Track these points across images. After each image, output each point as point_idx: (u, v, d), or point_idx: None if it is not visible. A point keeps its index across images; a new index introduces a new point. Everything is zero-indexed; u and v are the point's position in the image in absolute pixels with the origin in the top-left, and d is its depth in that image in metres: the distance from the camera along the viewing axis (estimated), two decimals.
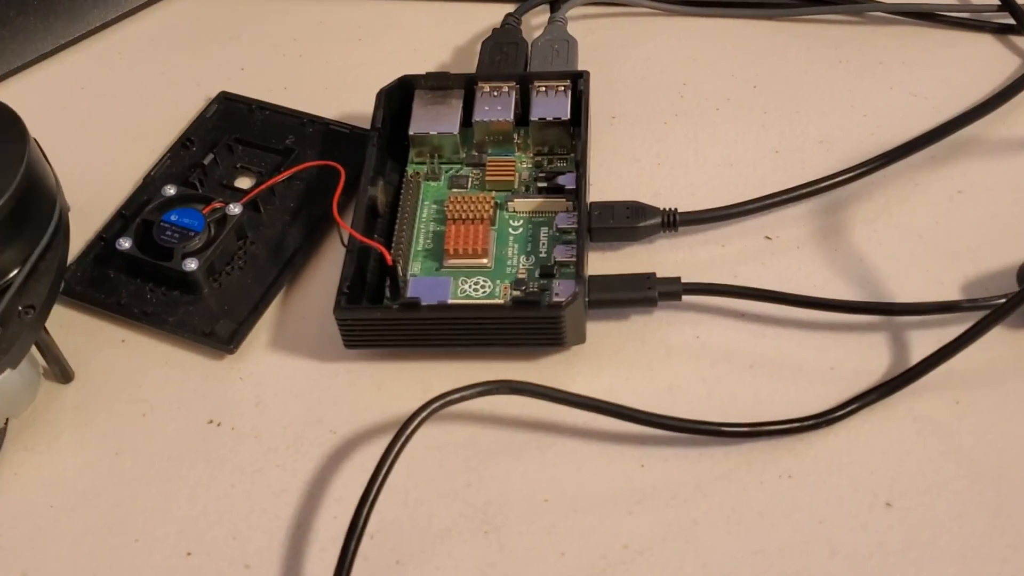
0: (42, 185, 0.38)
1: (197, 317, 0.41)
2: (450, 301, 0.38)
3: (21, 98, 0.42)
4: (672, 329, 0.39)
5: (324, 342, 0.40)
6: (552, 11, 0.48)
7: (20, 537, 0.36)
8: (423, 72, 0.44)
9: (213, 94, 0.48)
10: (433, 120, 0.43)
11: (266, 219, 0.43)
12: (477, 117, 0.43)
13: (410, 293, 0.39)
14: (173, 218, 0.42)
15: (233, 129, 0.46)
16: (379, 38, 0.51)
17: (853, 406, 0.36)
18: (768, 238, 0.42)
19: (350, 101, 0.47)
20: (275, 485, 0.36)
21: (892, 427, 0.36)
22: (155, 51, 0.51)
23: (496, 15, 0.49)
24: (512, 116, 0.43)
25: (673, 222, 0.41)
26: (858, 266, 0.41)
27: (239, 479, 0.37)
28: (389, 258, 0.38)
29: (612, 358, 0.39)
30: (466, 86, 0.44)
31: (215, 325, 0.40)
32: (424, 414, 0.34)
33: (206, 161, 0.45)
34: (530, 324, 0.37)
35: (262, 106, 0.47)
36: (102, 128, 0.48)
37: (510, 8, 0.49)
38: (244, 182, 0.45)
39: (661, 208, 0.41)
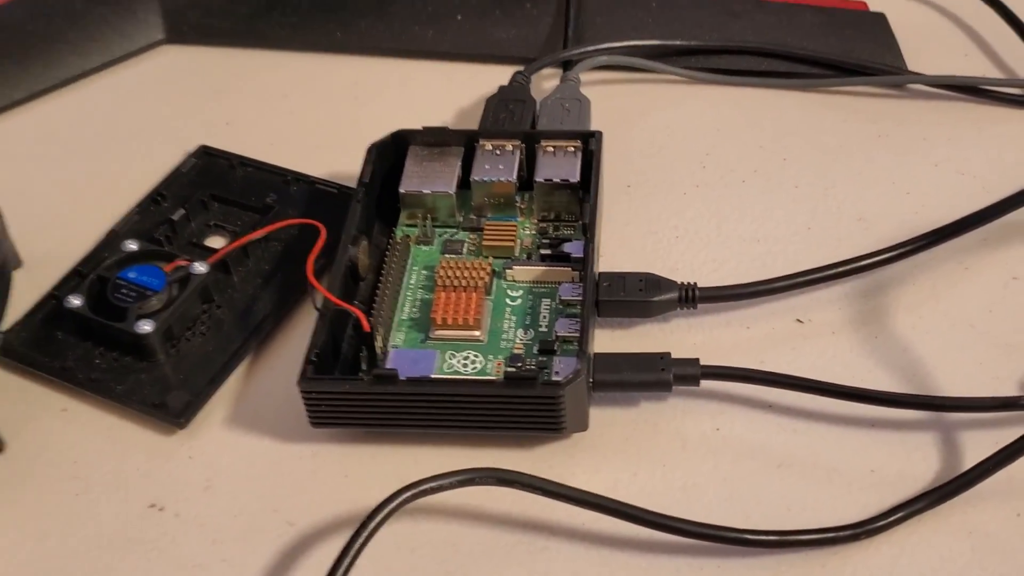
0: None
1: (148, 386, 0.36)
2: (434, 376, 0.34)
3: None
4: (688, 419, 0.34)
5: (289, 420, 0.35)
6: (565, 71, 0.45)
7: None
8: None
9: (193, 148, 0.44)
10: (428, 178, 0.39)
11: (236, 282, 0.39)
12: (476, 176, 0.38)
13: (388, 365, 0.34)
14: (131, 275, 0.37)
15: (210, 185, 0.42)
16: (376, 96, 0.47)
17: (898, 515, 0.31)
18: (799, 321, 0.37)
19: (340, 160, 0.43)
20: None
21: (943, 541, 0.31)
22: (136, 103, 0.47)
23: (503, 76, 0.46)
24: (515, 176, 0.38)
25: (692, 298, 0.36)
26: (902, 356, 0.36)
27: (178, 574, 0.32)
28: (367, 324, 0.34)
29: (618, 449, 0.33)
30: (466, 143, 0.40)
31: (167, 396, 0.35)
32: (391, 506, 0.29)
33: (175, 216, 0.41)
34: (525, 405, 0.32)
35: (244, 162, 0.43)
36: (70, 180, 0.44)
37: (519, 69, 0.46)
38: (216, 241, 0.40)
39: (678, 282, 0.36)
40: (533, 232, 0.39)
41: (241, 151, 0.44)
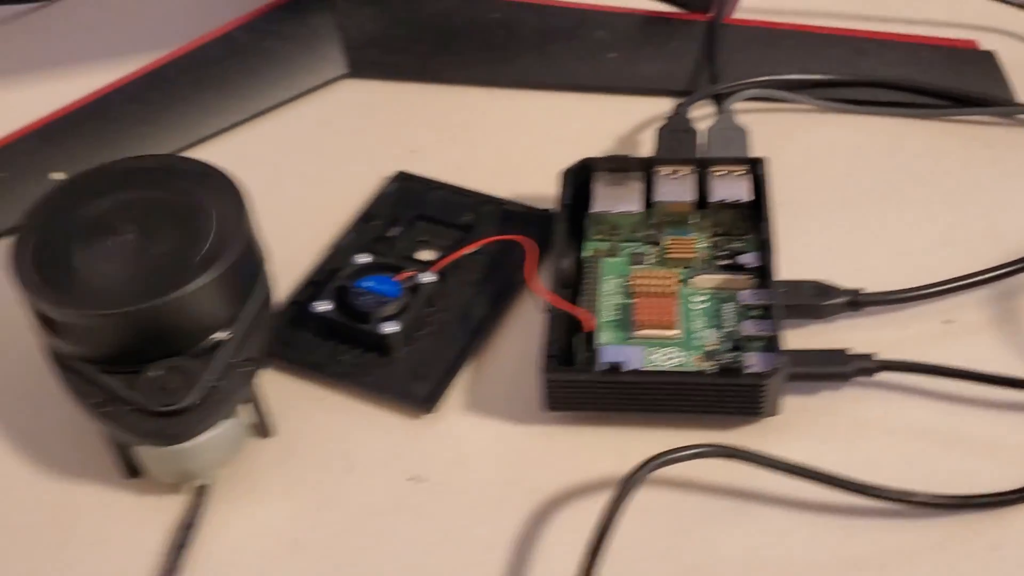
0: (255, 245, 0.40)
1: (392, 379, 0.42)
2: (655, 368, 0.40)
3: None
4: (862, 405, 0.40)
5: (518, 405, 0.41)
6: (717, 103, 0.51)
7: None
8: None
9: (386, 174, 0.50)
10: (615, 200, 0.45)
11: (450, 289, 0.45)
12: (659, 198, 0.44)
13: (603, 360, 0.40)
14: (368, 284, 0.44)
15: (412, 206, 0.48)
16: (538, 126, 0.53)
17: None
18: (947, 322, 0.43)
19: (518, 183, 0.49)
20: (483, 542, 0.37)
21: None
22: (325, 132, 0.53)
23: (651, 107, 0.52)
24: (693, 198, 0.45)
25: (858, 302, 0.42)
26: None
27: (446, 535, 0.37)
28: (590, 325, 0.40)
29: (805, 431, 0.39)
30: (644, 169, 0.46)
31: (411, 386, 0.41)
32: (642, 472, 0.35)
33: (390, 234, 0.47)
34: (732, 392, 0.38)
35: (439, 185, 0.49)
36: (279, 204, 0.49)
37: (663, 102, 0.52)
38: (425, 255, 0.46)
39: (844, 288, 0.42)
40: (707, 246, 0.45)
41: (428, 175, 0.50)
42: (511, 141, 0.52)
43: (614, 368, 0.38)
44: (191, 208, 0.39)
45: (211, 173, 0.40)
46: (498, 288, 0.45)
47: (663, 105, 0.53)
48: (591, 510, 0.37)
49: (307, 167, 0.52)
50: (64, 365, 0.38)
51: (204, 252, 0.37)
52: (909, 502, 0.36)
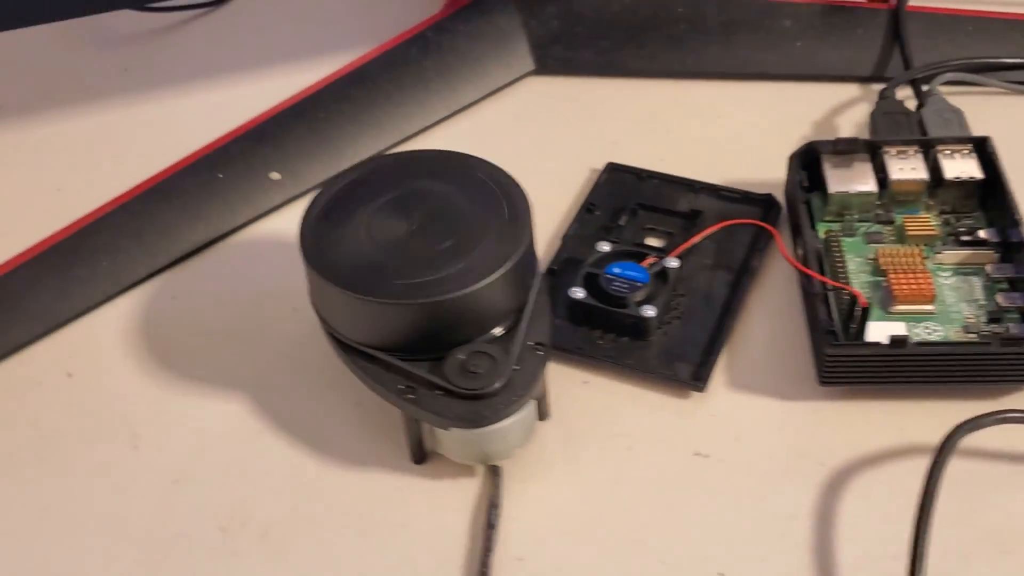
0: (533, 236, 0.41)
1: (652, 360, 0.43)
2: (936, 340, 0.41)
3: None
4: None
5: (783, 382, 0.42)
6: (913, 87, 0.52)
7: (547, 559, 0.38)
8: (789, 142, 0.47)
9: (591, 166, 0.51)
10: (848, 181, 0.46)
11: (689, 273, 0.46)
12: (894, 176, 0.46)
13: (870, 336, 0.41)
14: (616, 271, 0.45)
15: (630, 196, 0.49)
16: (735, 115, 0.54)
17: None
18: None
19: (721, 170, 0.50)
20: (782, 511, 0.38)
21: None
22: (521, 128, 0.55)
23: (835, 93, 0.54)
24: (926, 176, 0.46)
25: None
26: None
27: (743, 506, 0.39)
28: (864, 301, 0.41)
29: None
30: (871, 151, 0.47)
31: (674, 367, 0.42)
32: (957, 436, 0.36)
33: (621, 222, 0.48)
34: (1014, 360, 0.39)
35: (650, 175, 0.50)
36: None
37: (849, 88, 0.53)
38: (653, 242, 0.48)
39: None
40: (939, 223, 0.46)
41: (637, 165, 0.51)
42: (706, 130, 0.54)
43: (898, 342, 0.39)
44: (477, 201, 0.40)
45: (491, 170, 0.42)
46: (736, 270, 0.46)
47: (851, 91, 0.54)
48: (883, 479, 0.38)
49: (512, 161, 0.51)
50: (361, 355, 0.39)
51: (499, 242, 0.38)
52: None
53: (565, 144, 0.53)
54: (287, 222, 0.49)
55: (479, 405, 0.37)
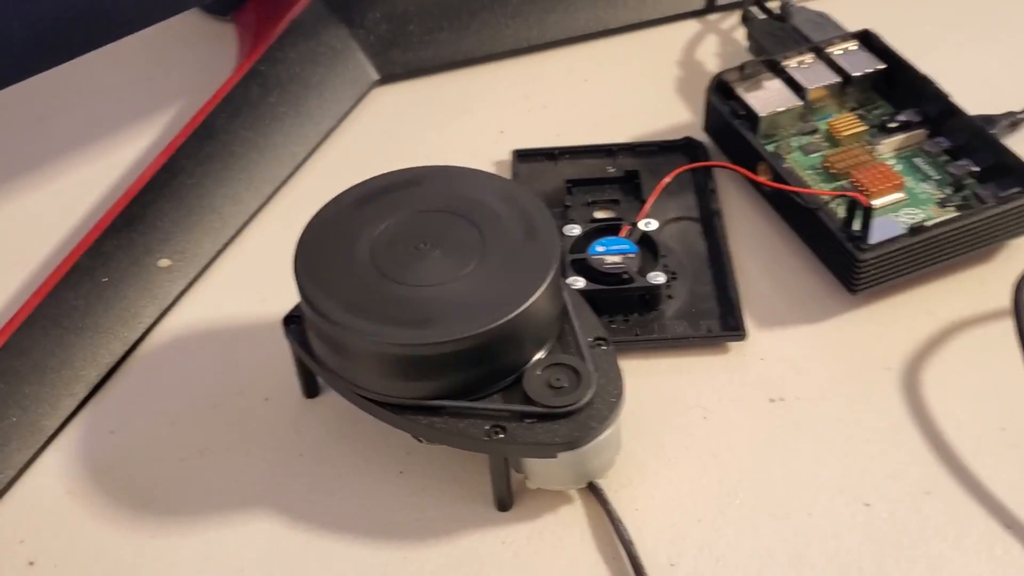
0: None
1: (677, 326, 0.41)
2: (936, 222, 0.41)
3: None
4: None
5: (806, 307, 0.41)
6: (763, 4, 0.52)
7: (695, 552, 0.35)
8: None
9: (492, 160, 0.48)
10: (771, 102, 0.46)
11: (659, 233, 0.44)
12: (811, 85, 0.46)
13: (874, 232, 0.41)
14: (601, 249, 0.42)
15: (553, 177, 0.47)
16: (599, 74, 0.53)
17: None
18: None
19: (623, 127, 0.49)
20: (883, 423, 0.38)
21: None
22: (396, 139, 0.50)
23: (679, 34, 0.54)
24: (836, 78, 0.46)
25: (1016, 122, 0.46)
26: None
27: (844, 432, 0.37)
28: (866, 201, 0.40)
29: None
30: (772, 68, 0.47)
31: (703, 325, 0.41)
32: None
33: (568, 203, 0.45)
34: (1009, 218, 0.41)
35: (561, 151, 0.48)
36: None
37: (690, 24, 0.54)
38: (601, 214, 0.45)
39: (1003, 112, 0.46)
40: (856, 117, 0.47)
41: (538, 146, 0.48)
42: (581, 95, 0.52)
43: (917, 229, 0.40)
44: (478, 212, 0.36)
45: (477, 177, 0.38)
46: (701, 218, 0.45)
47: (693, 26, 0.54)
48: (952, 361, 0.39)
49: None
50: (423, 411, 0.34)
51: (529, 248, 0.35)
52: None
53: (451, 147, 0.50)
54: (199, 308, 0.43)
55: (580, 419, 0.34)
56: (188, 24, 0.56)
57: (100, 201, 0.47)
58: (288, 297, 0.38)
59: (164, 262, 0.43)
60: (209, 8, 0.56)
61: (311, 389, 0.40)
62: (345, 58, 0.51)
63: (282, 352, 0.40)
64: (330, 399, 0.40)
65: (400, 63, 0.52)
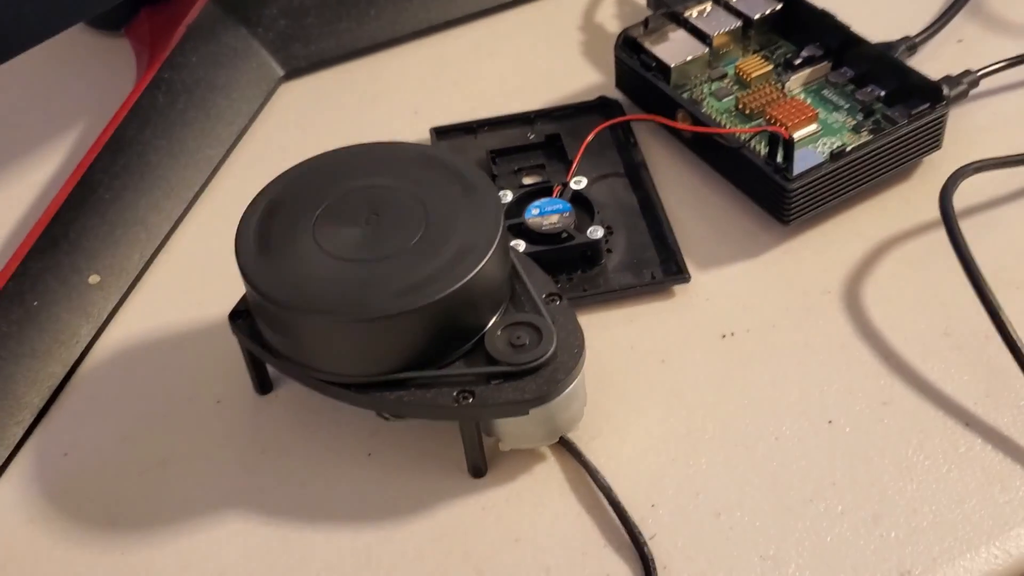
0: None
1: (622, 277, 0.41)
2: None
3: None
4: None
5: (741, 243, 0.42)
6: None
7: (675, 491, 0.35)
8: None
9: (417, 137, 0.48)
10: (679, 52, 0.47)
11: (590, 190, 0.44)
12: (716, 32, 0.47)
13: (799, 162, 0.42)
14: (536, 211, 0.42)
15: (476, 149, 0.47)
16: (503, 46, 0.53)
17: None
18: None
19: (536, 94, 0.49)
20: (833, 343, 0.39)
21: None
22: (310, 133, 0.49)
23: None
24: (737, 23, 0.47)
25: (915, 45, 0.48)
26: None
27: (798, 357, 0.38)
28: (786, 133, 0.41)
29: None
30: (675, 20, 0.48)
31: (647, 273, 0.41)
32: (951, 191, 0.39)
33: (495, 172, 0.45)
34: (923, 132, 0.42)
35: (480, 124, 0.48)
36: None
37: None
38: (530, 180, 0.45)
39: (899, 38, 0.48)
40: (762, 58, 0.48)
41: (457, 121, 0.48)
42: (490, 69, 0.52)
43: (837, 154, 0.41)
44: (419, 182, 0.36)
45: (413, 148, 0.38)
46: (627, 172, 0.45)
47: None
48: (891, 275, 0.40)
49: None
50: (388, 386, 0.34)
51: (473, 210, 0.35)
52: None
53: (367, 132, 0.49)
54: (136, 320, 0.42)
55: (547, 373, 0.34)
56: (79, 43, 0.55)
57: (19, 225, 0.46)
58: (225, 298, 0.38)
59: (94, 278, 0.42)
60: (99, 25, 0.55)
61: (264, 385, 0.39)
62: (247, 57, 0.51)
63: (228, 353, 0.39)
64: (284, 392, 0.40)
65: (303, 56, 0.52)
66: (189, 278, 0.44)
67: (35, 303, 0.41)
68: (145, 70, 0.50)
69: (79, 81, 0.54)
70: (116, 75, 0.53)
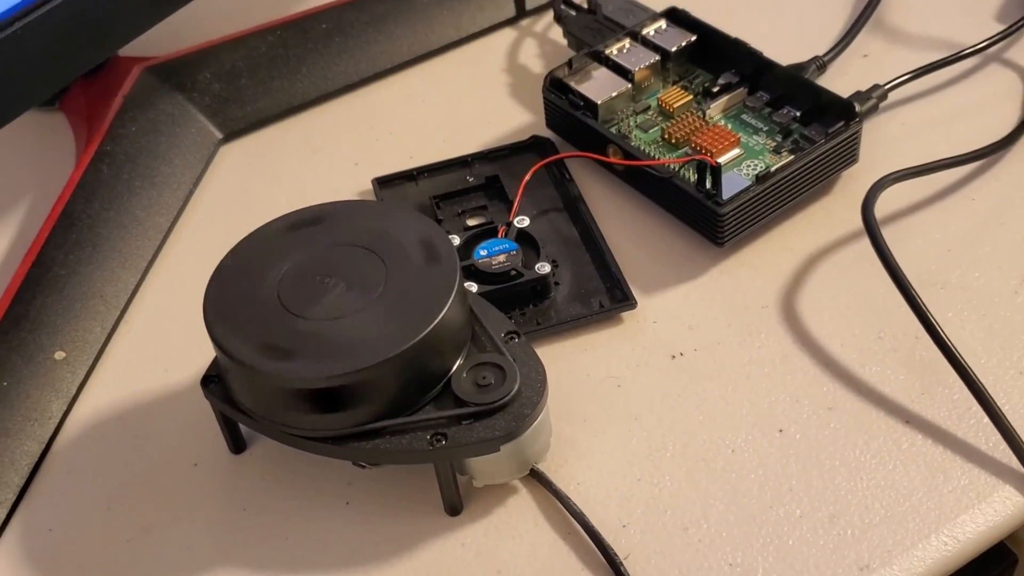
0: None
1: (572, 308, 0.43)
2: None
3: None
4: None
5: (679, 268, 0.45)
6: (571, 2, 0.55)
7: (642, 509, 0.37)
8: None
9: (354, 191, 0.50)
10: (603, 88, 0.49)
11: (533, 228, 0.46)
12: (637, 68, 0.49)
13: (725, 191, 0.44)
14: (483, 252, 0.44)
15: (419, 196, 0.49)
16: (435, 93, 0.55)
17: None
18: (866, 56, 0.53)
19: (472, 138, 0.51)
20: (775, 355, 0.41)
21: None
22: (253, 194, 0.51)
23: (499, 43, 0.56)
24: (656, 58, 0.50)
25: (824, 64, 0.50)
26: None
27: (745, 371, 0.41)
28: (713, 161, 0.44)
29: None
30: (597, 58, 0.50)
31: (595, 303, 0.43)
32: (872, 203, 0.41)
33: (440, 217, 0.47)
34: (843, 147, 0.45)
35: (420, 171, 0.50)
36: None
37: (507, 33, 0.57)
38: (474, 222, 0.47)
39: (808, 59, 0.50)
40: (681, 88, 0.50)
41: (394, 171, 0.50)
42: (423, 116, 0.54)
43: (763, 177, 0.43)
44: (372, 238, 0.38)
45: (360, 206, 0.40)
46: (565, 207, 0.47)
47: (510, 34, 0.57)
48: (822, 288, 0.43)
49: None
50: (364, 436, 0.35)
51: (430, 262, 0.37)
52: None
53: (310, 187, 0.51)
54: (105, 392, 0.43)
55: (514, 409, 0.36)
56: (14, 120, 0.55)
57: None
58: (190, 362, 0.39)
59: (59, 354, 0.43)
60: None
61: (238, 444, 0.41)
62: (185, 123, 0.52)
63: (199, 416, 0.41)
64: (259, 450, 0.41)
65: (240, 118, 0.53)
66: (152, 346, 0.45)
67: (4, 383, 0.42)
68: (86, 143, 0.51)
69: (17, 158, 0.54)
70: (54, 150, 0.54)
